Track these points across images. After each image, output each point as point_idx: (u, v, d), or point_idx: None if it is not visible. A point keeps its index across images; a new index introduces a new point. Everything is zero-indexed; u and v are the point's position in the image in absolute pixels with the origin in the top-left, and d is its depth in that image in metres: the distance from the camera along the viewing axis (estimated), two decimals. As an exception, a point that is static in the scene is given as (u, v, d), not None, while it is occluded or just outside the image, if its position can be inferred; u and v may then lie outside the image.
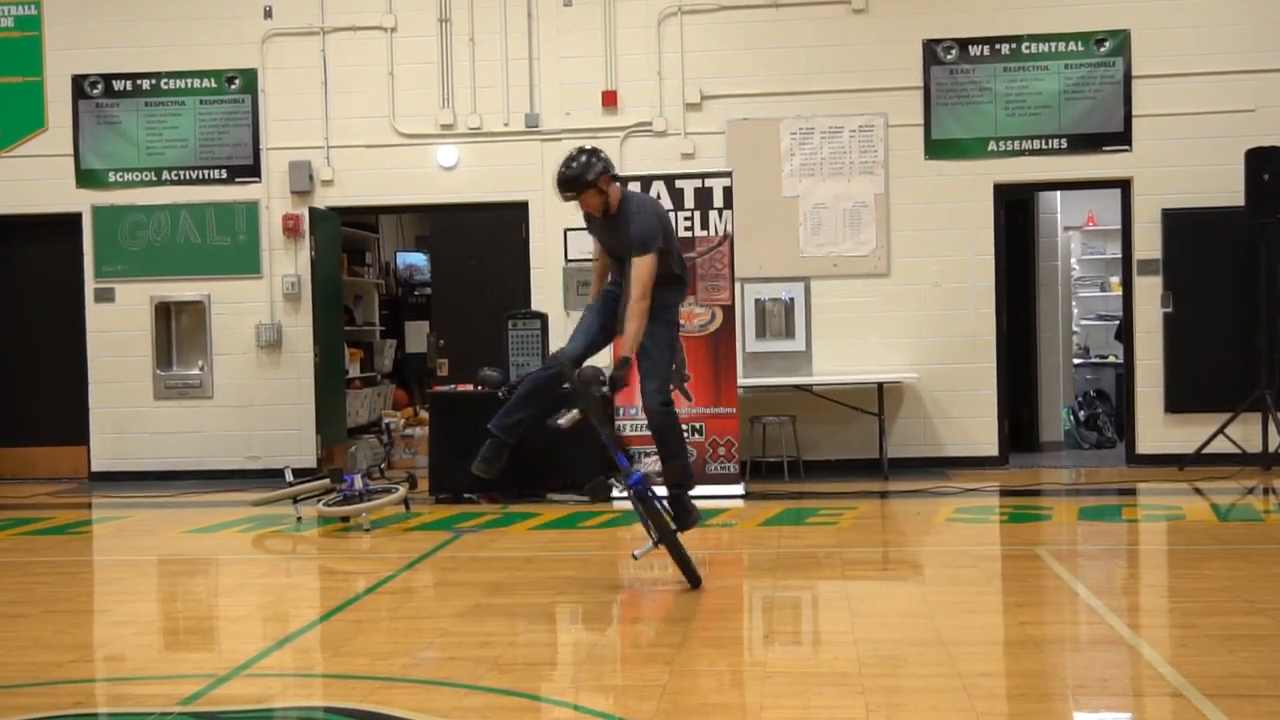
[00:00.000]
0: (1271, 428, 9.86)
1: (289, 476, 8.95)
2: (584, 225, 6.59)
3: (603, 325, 6.31)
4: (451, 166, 10.97)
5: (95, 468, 11.19)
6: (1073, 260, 12.80)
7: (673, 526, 6.13)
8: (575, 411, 6.03)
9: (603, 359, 6.91)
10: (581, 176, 6.07)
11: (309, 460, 10.58)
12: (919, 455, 10.41)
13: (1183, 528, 7.76)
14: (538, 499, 9.19)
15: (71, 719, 4.34)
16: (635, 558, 6.27)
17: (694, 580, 6.07)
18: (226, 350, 11.06)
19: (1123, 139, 10.32)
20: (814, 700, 4.33)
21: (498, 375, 9.40)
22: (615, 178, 6.24)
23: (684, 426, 9.20)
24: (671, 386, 6.53)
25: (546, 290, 10.74)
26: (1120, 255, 10.89)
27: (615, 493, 6.75)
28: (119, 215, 11.10)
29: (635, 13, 10.70)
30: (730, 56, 10.63)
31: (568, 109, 10.75)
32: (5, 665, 5.05)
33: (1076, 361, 12.53)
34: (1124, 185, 10.47)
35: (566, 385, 6.13)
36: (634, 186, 8.09)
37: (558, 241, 10.55)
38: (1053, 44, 10.36)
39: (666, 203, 9.28)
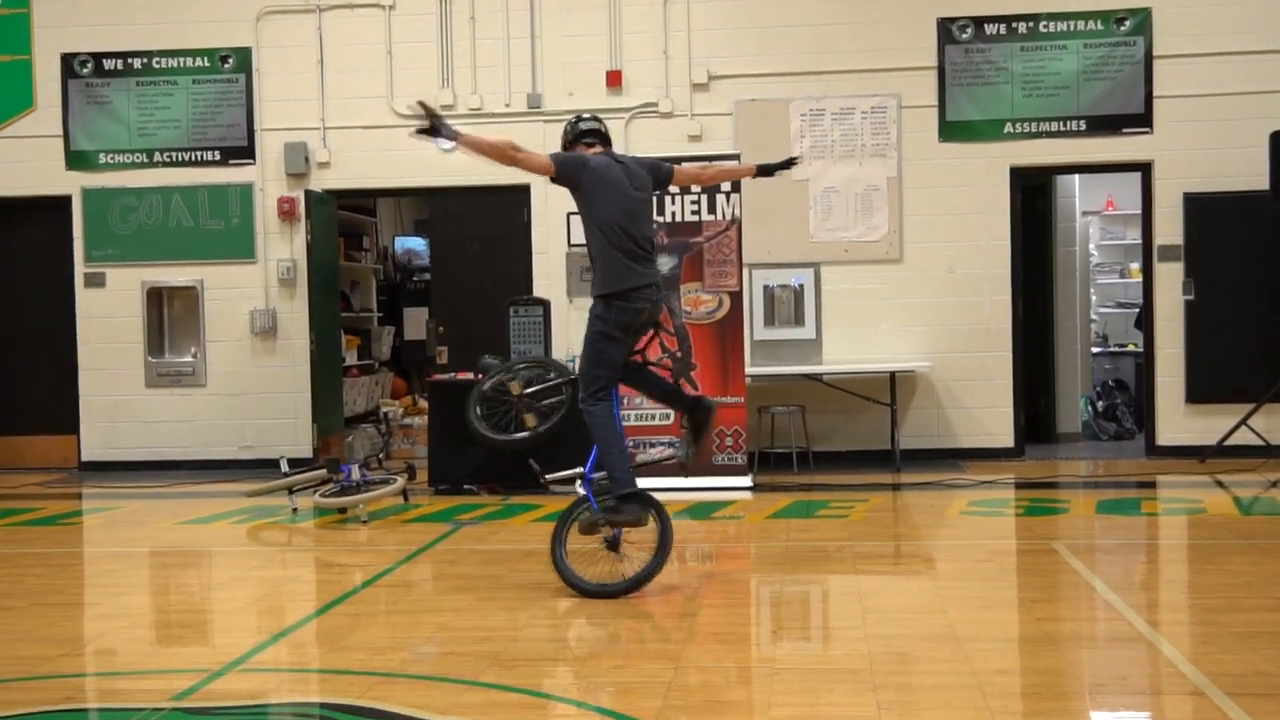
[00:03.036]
0: (1295, 419, 9.79)
1: (284, 467, 8.93)
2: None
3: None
4: (451, 149, 10.72)
5: (85, 457, 11.13)
6: (1091, 246, 12.77)
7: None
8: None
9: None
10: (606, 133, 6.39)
11: (305, 450, 10.49)
12: (932, 446, 10.35)
13: (1204, 521, 7.73)
14: (539, 490, 9.02)
15: (62, 714, 4.33)
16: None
17: None
18: (220, 337, 10.99)
19: (1143, 121, 10.22)
20: (823, 698, 4.29)
21: (498, 363, 9.30)
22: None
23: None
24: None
25: (549, 276, 10.70)
26: (1140, 241, 10.85)
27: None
28: (110, 198, 11.00)
29: (641, -11, 10.60)
30: (739, 35, 10.52)
31: (571, 89, 10.62)
32: (-6, 659, 5.07)
33: (1095, 350, 12.51)
34: (1144, 168, 10.39)
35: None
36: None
37: (560, 226, 10.42)
38: (1071, 23, 10.26)
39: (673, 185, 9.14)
